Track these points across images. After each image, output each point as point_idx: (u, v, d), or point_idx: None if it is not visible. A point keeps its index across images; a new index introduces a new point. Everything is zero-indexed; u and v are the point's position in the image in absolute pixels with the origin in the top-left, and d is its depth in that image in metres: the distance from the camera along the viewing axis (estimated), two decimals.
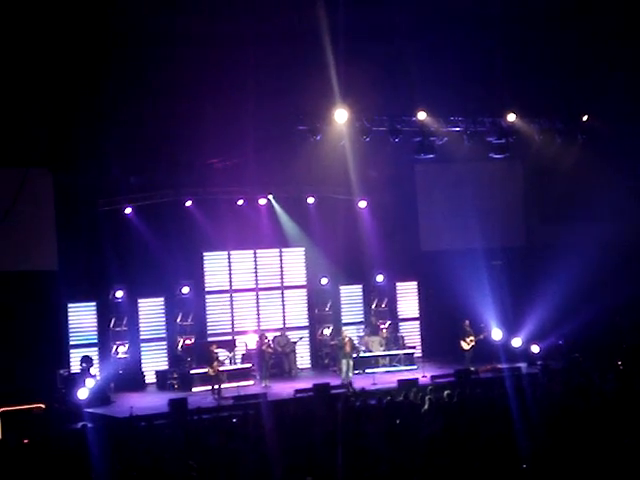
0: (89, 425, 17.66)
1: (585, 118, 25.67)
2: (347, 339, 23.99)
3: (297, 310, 28.24)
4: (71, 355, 24.38)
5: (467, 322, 25.26)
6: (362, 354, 25.83)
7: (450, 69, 24.10)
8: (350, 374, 23.45)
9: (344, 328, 26.00)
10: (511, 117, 24.82)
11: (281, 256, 28.16)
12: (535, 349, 25.48)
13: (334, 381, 22.48)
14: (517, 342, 25.96)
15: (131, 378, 24.76)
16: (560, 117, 25.87)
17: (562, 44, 24.55)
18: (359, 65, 21.86)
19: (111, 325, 25.05)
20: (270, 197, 26.99)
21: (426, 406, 16.26)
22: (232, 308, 27.24)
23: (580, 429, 13.19)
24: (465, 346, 25.03)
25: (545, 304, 25.41)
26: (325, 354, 27.34)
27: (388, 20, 23.46)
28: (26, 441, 16.49)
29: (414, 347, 27.62)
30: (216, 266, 27.23)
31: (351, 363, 23.64)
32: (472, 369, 23.47)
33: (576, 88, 25.25)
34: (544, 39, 24.57)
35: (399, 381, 21.88)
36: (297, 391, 20.88)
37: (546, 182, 27.38)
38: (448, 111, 24.65)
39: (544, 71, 25.02)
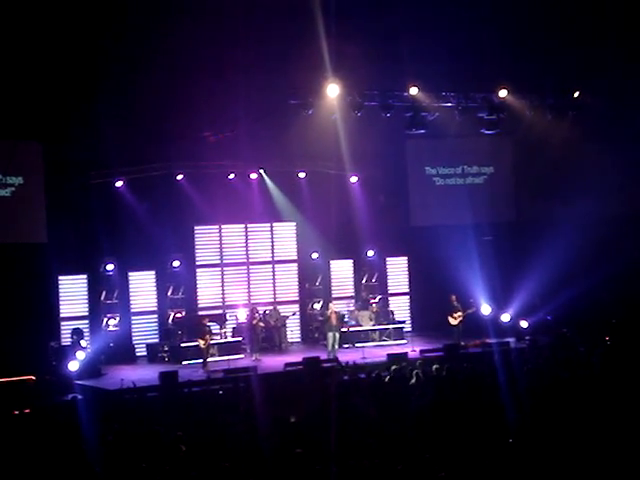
0: (79, 397, 17.69)
1: (576, 94, 25.70)
2: (332, 312, 23.97)
3: (288, 284, 28.31)
4: (62, 327, 24.43)
5: (454, 297, 25.16)
6: (352, 328, 25.95)
7: (442, 44, 24.04)
8: (337, 347, 23.48)
9: (331, 302, 26.01)
10: (502, 93, 24.86)
11: (272, 230, 28.15)
12: (524, 324, 25.59)
13: (324, 355, 22.53)
14: (506, 317, 26.08)
15: (122, 351, 24.80)
16: (551, 93, 25.89)
17: (554, 19, 24.51)
18: (351, 40, 21.77)
19: (102, 298, 25.07)
20: (261, 171, 26.96)
21: (414, 380, 16.38)
22: (223, 282, 27.30)
23: (566, 402, 13.33)
24: (453, 321, 25.02)
25: (534, 280, 25.48)
26: (315, 328, 27.36)
27: None
28: (16, 412, 16.56)
29: (404, 322, 27.68)
30: (207, 240, 27.26)
31: (337, 336, 23.58)
32: (461, 344, 23.57)
33: (567, 64, 25.21)
34: (536, 14, 24.52)
35: (388, 355, 21.94)
36: (287, 364, 20.91)
37: (536, 158, 27.37)
38: (440, 86, 24.66)
39: (536, 47, 24.97)
